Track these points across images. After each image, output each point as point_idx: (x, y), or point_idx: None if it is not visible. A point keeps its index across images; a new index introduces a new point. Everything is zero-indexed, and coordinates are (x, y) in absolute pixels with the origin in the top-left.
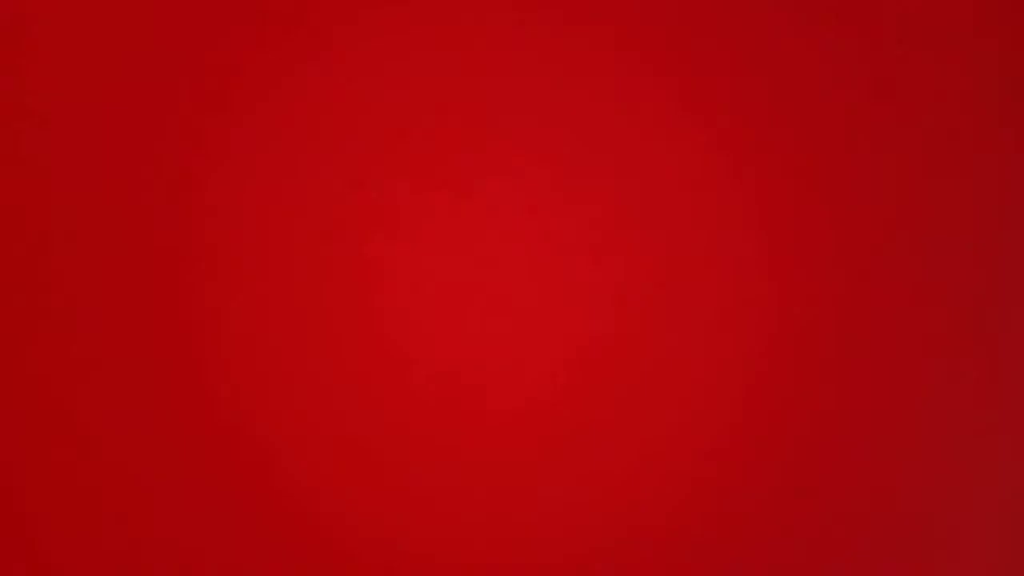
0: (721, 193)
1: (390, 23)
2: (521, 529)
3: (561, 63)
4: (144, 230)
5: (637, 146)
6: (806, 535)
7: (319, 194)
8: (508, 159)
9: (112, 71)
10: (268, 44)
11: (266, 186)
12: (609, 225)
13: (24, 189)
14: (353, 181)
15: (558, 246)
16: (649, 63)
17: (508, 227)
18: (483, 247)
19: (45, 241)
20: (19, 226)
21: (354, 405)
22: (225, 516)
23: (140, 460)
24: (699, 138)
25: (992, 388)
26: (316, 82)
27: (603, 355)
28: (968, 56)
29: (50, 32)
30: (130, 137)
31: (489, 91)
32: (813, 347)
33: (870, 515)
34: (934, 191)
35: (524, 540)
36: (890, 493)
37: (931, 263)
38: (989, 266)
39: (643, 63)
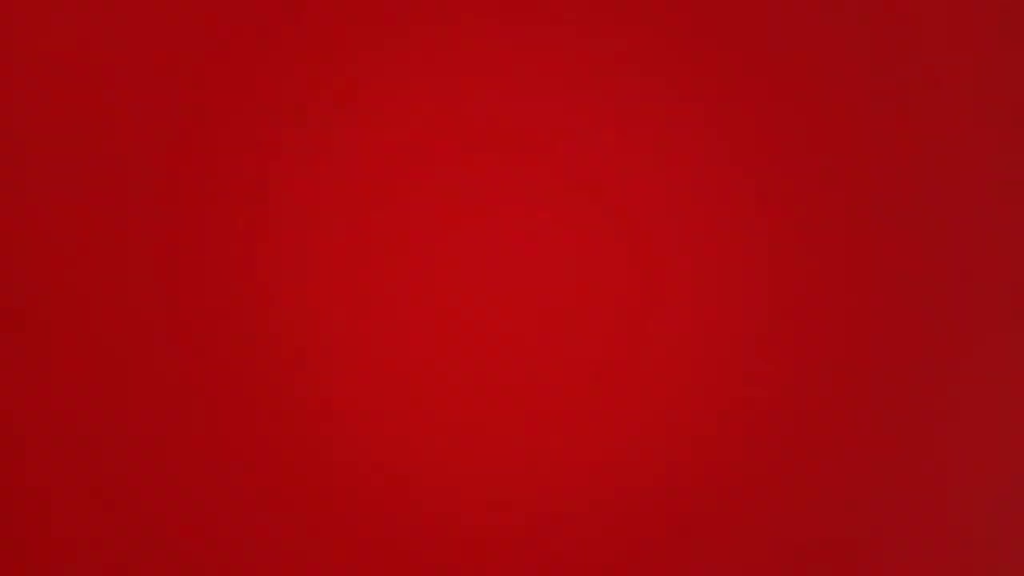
0: (722, 196)
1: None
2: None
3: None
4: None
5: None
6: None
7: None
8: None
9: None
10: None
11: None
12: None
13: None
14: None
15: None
16: (649, 63)
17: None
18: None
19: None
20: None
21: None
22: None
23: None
24: (697, 139)
25: (993, 385)
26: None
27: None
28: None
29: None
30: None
31: (487, 93)
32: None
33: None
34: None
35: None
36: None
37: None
38: (990, 266)
39: (644, 62)
